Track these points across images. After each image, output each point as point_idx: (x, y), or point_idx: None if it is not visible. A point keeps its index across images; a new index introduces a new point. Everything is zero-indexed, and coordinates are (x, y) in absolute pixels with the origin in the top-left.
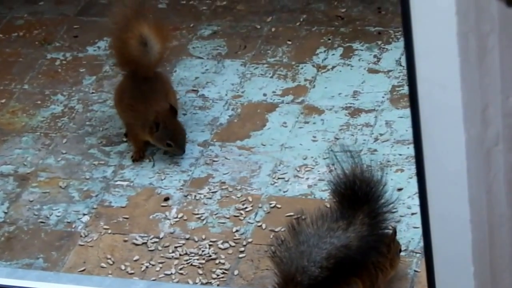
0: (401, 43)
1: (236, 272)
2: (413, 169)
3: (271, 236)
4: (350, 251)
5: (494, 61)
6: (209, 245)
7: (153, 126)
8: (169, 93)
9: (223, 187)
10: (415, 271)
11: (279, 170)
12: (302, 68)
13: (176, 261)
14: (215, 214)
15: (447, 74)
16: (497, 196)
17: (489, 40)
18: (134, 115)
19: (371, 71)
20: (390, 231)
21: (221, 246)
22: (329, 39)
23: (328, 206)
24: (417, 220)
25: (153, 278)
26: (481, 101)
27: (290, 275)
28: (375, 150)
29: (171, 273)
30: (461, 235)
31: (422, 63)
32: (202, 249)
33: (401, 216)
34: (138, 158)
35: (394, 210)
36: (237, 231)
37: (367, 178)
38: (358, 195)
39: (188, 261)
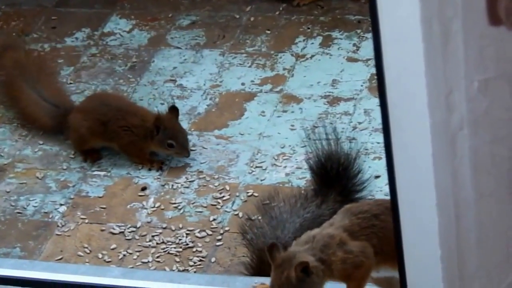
0: None
1: (213, 260)
2: None
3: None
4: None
5: (458, 46)
6: (186, 233)
7: (154, 130)
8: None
9: (201, 176)
10: None
11: (256, 159)
12: (280, 57)
13: (153, 250)
14: (192, 203)
15: (411, 60)
16: (463, 181)
17: (453, 24)
18: (131, 132)
19: (350, 59)
20: None
21: (198, 234)
22: (309, 28)
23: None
24: None
25: (131, 266)
26: (446, 86)
27: (264, 248)
28: (354, 139)
29: (148, 261)
30: (428, 219)
31: (388, 49)
32: (179, 237)
33: None
34: (161, 164)
35: (367, 189)
36: (214, 219)
37: (340, 158)
38: (331, 174)
39: (165, 250)
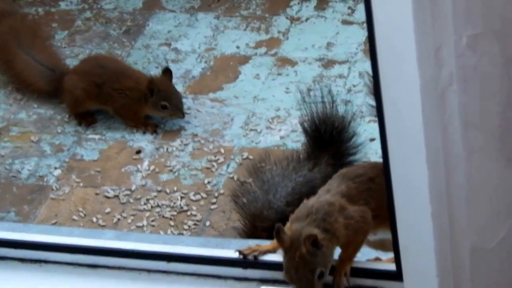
0: None
1: (207, 223)
2: None
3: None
4: (314, 189)
5: (446, 2)
6: (181, 197)
7: (147, 92)
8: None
9: (195, 139)
10: None
11: (251, 122)
12: (275, 20)
13: (147, 213)
14: (187, 166)
15: (400, 17)
16: (452, 137)
17: None
18: (126, 95)
19: (345, 22)
20: None
21: (193, 197)
22: None
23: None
24: None
25: (125, 230)
26: (434, 42)
27: (256, 212)
28: (349, 101)
29: (143, 225)
30: (418, 176)
31: (377, 7)
32: (174, 201)
33: None
34: (155, 128)
35: (361, 152)
36: (209, 182)
37: (335, 120)
38: (325, 136)
39: (159, 213)
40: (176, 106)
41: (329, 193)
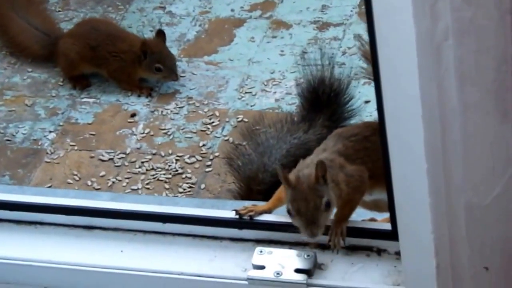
0: None
1: (202, 186)
2: None
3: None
4: (309, 151)
5: None
6: (176, 159)
7: (141, 55)
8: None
9: (190, 102)
10: None
11: (246, 85)
12: None
13: (142, 176)
14: (182, 129)
15: None
16: (448, 92)
17: None
18: (120, 58)
19: None
20: None
21: (188, 160)
22: None
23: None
24: None
25: (120, 193)
26: None
27: (251, 175)
28: (343, 64)
29: (138, 188)
30: (414, 133)
31: None
32: (169, 163)
33: None
34: (150, 91)
35: (357, 114)
36: (204, 145)
37: (333, 83)
38: (322, 99)
39: (154, 176)
40: (170, 68)
41: (326, 152)
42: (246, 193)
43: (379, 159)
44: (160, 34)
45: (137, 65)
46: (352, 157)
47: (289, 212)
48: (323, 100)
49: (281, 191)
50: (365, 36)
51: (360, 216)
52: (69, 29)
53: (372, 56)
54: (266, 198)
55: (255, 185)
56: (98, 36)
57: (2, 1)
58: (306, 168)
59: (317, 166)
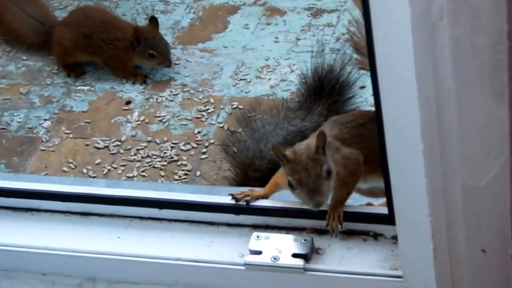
0: None
1: (198, 173)
2: None
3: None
4: (305, 138)
5: None
6: (171, 147)
7: (134, 41)
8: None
9: (185, 89)
10: None
11: (241, 72)
12: None
13: (138, 164)
14: (177, 116)
15: None
16: (443, 72)
17: None
18: (114, 45)
19: None
20: None
21: (183, 147)
22: None
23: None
24: None
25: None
26: None
27: (247, 162)
28: (337, 50)
29: (133, 176)
30: (409, 113)
31: None
32: (164, 151)
33: None
34: (144, 78)
35: (353, 103)
36: (199, 132)
37: (341, 74)
38: (325, 88)
39: (150, 163)
40: (164, 54)
41: None
42: (242, 180)
43: (374, 147)
44: (153, 20)
45: (131, 52)
46: (348, 142)
47: (290, 185)
48: (327, 89)
49: (277, 176)
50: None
51: (356, 201)
52: (63, 17)
53: (367, 38)
54: (263, 184)
55: (252, 172)
56: (92, 24)
57: None
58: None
59: (318, 136)
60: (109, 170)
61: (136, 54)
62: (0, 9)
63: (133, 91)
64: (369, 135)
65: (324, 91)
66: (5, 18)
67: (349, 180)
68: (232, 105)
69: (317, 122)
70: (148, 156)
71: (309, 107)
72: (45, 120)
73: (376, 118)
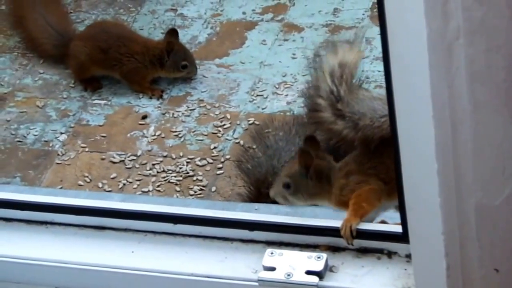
0: None
1: (213, 189)
2: None
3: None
4: None
5: None
6: (187, 162)
7: (164, 55)
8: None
9: (201, 104)
10: None
11: (257, 88)
12: None
13: (153, 178)
14: (193, 132)
15: None
16: (459, 91)
17: None
18: (134, 59)
19: None
20: None
21: (199, 163)
22: None
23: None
24: None
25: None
26: None
27: (261, 178)
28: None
29: (149, 190)
30: (424, 131)
31: None
32: (180, 166)
33: None
34: (161, 93)
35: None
36: (215, 148)
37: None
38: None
39: (165, 178)
40: (193, 63)
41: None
42: (256, 197)
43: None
44: (173, 32)
45: (157, 66)
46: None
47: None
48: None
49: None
50: (377, 41)
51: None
52: (80, 31)
53: (383, 56)
54: (276, 201)
55: (265, 188)
56: (109, 38)
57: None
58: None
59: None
60: (124, 184)
61: (165, 67)
62: (24, 13)
63: (149, 106)
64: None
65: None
66: (28, 23)
67: (358, 200)
68: (249, 121)
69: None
70: (163, 171)
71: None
72: (61, 133)
73: (391, 136)
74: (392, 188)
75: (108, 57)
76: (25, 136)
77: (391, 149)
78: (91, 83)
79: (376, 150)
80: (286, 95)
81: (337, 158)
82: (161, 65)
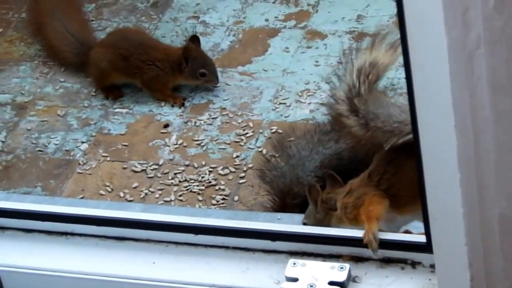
0: None
1: (236, 198)
2: None
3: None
4: (342, 160)
5: None
6: (209, 171)
7: (182, 61)
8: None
9: (224, 113)
10: None
11: (280, 95)
12: None
13: (175, 188)
14: (215, 140)
15: None
16: (480, 100)
17: None
18: (156, 67)
19: None
20: None
21: (221, 172)
22: None
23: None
24: None
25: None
26: (462, 4)
27: (285, 189)
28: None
29: (171, 200)
30: (447, 142)
31: None
32: (202, 175)
33: None
34: (183, 101)
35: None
36: (237, 156)
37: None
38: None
39: (187, 188)
40: (213, 72)
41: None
42: (281, 207)
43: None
44: (195, 39)
45: (176, 73)
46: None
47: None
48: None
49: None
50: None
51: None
52: (100, 38)
53: (405, 65)
54: (302, 211)
55: (291, 199)
56: (130, 46)
57: (45, 2)
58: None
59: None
60: (146, 194)
61: (184, 73)
62: (43, 21)
63: (171, 114)
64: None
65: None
66: (47, 32)
67: (367, 207)
68: (271, 129)
69: (351, 142)
70: (185, 180)
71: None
72: (82, 142)
73: (413, 146)
74: (402, 201)
75: (129, 65)
76: (46, 145)
77: (402, 161)
78: (112, 92)
79: (389, 163)
80: (309, 103)
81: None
82: (180, 72)
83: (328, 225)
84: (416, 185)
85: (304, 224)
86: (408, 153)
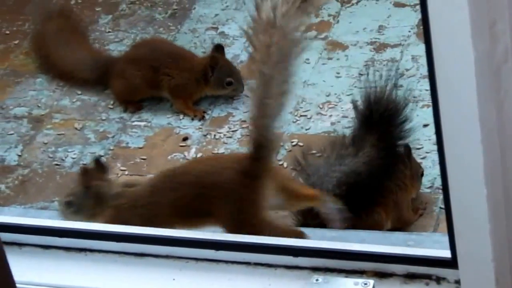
0: None
1: None
2: None
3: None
4: (360, 176)
5: None
6: None
7: (208, 71)
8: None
9: (244, 125)
10: (440, 208)
11: (301, 108)
12: (326, 3)
13: None
14: None
15: None
16: (508, 115)
17: None
18: (183, 76)
19: (397, 5)
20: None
21: None
22: None
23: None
24: None
25: None
26: (489, 17)
27: (306, 209)
28: (401, 86)
29: None
30: (473, 157)
31: None
32: None
33: (426, 152)
34: (203, 113)
35: (408, 137)
36: None
37: (389, 102)
38: (373, 117)
39: None
40: (240, 81)
41: None
42: (303, 226)
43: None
44: (219, 48)
45: (202, 84)
46: None
47: None
48: (375, 118)
49: None
50: (423, 58)
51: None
52: (126, 52)
53: (430, 78)
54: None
55: (312, 220)
56: (160, 56)
57: (47, 38)
58: None
59: None
60: None
61: (210, 83)
62: (50, 51)
63: (190, 127)
64: None
65: (372, 120)
66: (57, 62)
67: None
68: (292, 142)
69: (369, 156)
70: None
71: (362, 139)
72: (101, 156)
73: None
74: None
75: (158, 75)
76: (63, 159)
77: None
78: (132, 104)
79: None
80: (330, 115)
81: None
82: (205, 82)
83: (92, 216)
84: None
85: (67, 203)
86: None
